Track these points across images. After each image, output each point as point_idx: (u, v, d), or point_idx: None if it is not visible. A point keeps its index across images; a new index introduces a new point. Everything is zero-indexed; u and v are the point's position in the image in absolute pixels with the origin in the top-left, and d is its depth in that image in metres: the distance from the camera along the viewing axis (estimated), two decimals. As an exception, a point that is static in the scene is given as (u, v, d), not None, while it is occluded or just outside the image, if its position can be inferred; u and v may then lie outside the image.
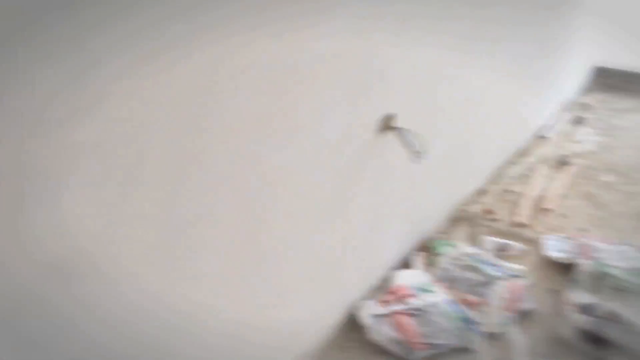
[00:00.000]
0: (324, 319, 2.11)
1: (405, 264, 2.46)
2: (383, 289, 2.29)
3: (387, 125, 1.92)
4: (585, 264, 2.32)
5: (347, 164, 1.83)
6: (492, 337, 2.12)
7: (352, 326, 2.16)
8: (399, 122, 1.93)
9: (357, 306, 2.18)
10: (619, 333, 2.00)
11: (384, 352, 2.06)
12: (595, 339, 2.05)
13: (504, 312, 2.19)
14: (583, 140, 3.71)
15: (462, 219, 2.85)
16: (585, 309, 2.09)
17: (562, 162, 3.35)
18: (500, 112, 3.04)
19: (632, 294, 2.14)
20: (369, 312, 2.15)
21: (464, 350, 2.08)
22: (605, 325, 2.02)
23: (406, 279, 2.31)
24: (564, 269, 2.42)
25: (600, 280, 2.23)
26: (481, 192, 3.07)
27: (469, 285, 2.30)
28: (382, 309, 2.16)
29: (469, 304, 2.21)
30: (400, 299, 2.20)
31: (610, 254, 2.37)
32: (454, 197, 2.89)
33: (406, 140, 1.90)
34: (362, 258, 2.18)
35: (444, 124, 2.44)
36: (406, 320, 2.11)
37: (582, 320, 2.06)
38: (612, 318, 2.03)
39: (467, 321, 2.13)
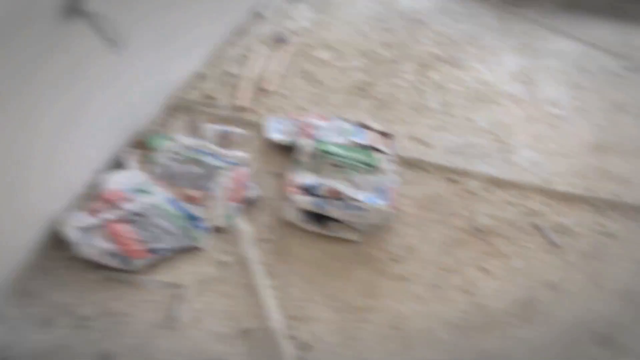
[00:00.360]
0: (19, 240, 1.76)
1: (118, 165, 2.17)
2: (92, 196, 1.98)
3: (74, 9, 1.58)
4: (305, 143, 2.28)
5: (20, 59, 1.48)
6: (219, 231, 2.01)
7: (56, 244, 1.85)
8: (89, 6, 1.61)
9: (59, 220, 1.86)
10: (339, 209, 2.03)
11: (98, 267, 1.82)
12: (318, 217, 2.06)
13: (229, 203, 2.07)
14: (299, 18, 3.66)
15: (179, 108, 2.59)
16: (308, 190, 2.06)
17: (279, 41, 3.26)
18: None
19: (348, 168, 2.18)
20: (76, 225, 1.85)
21: (190, 249, 1.94)
22: (327, 203, 2.03)
23: (119, 181, 2.03)
24: (287, 150, 2.37)
25: (320, 158, 2.21)
26: (199, 77, 2.83)
27: (191, 180, 2.11)
28: (92, 220, 1.88)
29: (192, 200, 2.04)
30: (113, 205, 1.93)
31: (328, 131, 2.36)
32: (168, 84, 2.60)
33: (100, 28, 1.64)
34: (57, 164, 1.83)
35: (149, 6, 2.12)
36: (122, 228, 1.86)
37: (305, 201, 2.04)
38: (333, 195, 2.04)
39: (191, 219, 1.98)
